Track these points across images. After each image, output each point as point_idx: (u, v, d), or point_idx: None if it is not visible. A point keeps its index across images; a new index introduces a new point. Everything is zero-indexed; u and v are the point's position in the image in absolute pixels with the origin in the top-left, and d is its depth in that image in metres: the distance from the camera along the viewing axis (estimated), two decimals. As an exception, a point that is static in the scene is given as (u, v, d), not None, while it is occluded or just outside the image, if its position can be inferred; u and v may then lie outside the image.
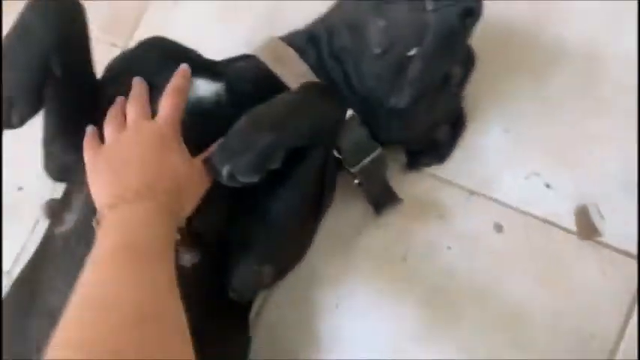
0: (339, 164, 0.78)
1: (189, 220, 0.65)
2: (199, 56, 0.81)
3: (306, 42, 0.79)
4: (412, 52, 0.69)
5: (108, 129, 0.69)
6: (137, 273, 0.52)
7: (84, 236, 0.64)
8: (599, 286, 0.78)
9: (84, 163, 0.69)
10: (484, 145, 0.87)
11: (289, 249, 0.78)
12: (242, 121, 0.66)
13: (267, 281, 0.76)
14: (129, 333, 0.46)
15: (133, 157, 0.64)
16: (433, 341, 0.81)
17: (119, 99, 0.73)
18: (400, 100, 0.72)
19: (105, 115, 0.72)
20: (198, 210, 0.66)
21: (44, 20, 0.69)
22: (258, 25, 1.01)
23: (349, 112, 0.76)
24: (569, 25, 0.88)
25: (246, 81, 0.76)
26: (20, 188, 1.06)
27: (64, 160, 0.76)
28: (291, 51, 0.78)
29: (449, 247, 0.84)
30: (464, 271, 0.83)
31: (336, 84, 0.76)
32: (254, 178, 0.64)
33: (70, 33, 0.71)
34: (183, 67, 0.72)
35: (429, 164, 0.87)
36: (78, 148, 0.71)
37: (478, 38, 0.82)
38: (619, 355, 0.76)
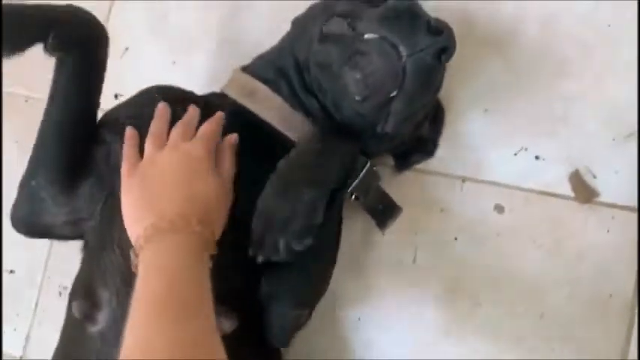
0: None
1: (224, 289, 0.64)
2: (193, 100, 0.79)
3: (274, 74, 0.78)
4: (393, 94, 0.69)
5: (149, 143, 0.71)
6: (178, 331, 0.53)
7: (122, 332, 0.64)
8: (606, 245, 0.80)
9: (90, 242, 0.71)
10: (467, 130, 0.87)
11: (320, 287, 0.79)
12: (273, 188, 0.66)
13: (304, 322, 0.77)
14: None
15: (167, 181, 0.66)
16: (459, 334, 0.83)
17: (160, 111, 0.74)
18: (386, 128, 0.73)
19: (100, 163, 0.73)
20: (230, 276, 0.66)
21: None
22: (213, 59, 0.99)
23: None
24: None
25: (232, 130, 0.75)
26: (12, 271, 1.04)
27: (49, 203, 0.74)
28: (260, 85, 0.78)
29: (455, 239, 0.85)
30: (474, 258, 0.84)
31: (312, 114, 0.75)
32: (309, 242, 0.65)
33: (85, 38, 0.75)
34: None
35: (418, 161, 0.87)
36: (66, 193, 0.72)
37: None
38: (637, 309, 0.78)
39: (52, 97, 0.74)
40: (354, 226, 0.87)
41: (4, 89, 1.09)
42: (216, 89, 0.88)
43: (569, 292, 0.80)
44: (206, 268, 0.61)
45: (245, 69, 0.83)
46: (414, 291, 0.86)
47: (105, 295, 0.68)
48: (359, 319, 0.87)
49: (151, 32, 1.03)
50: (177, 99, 0.78)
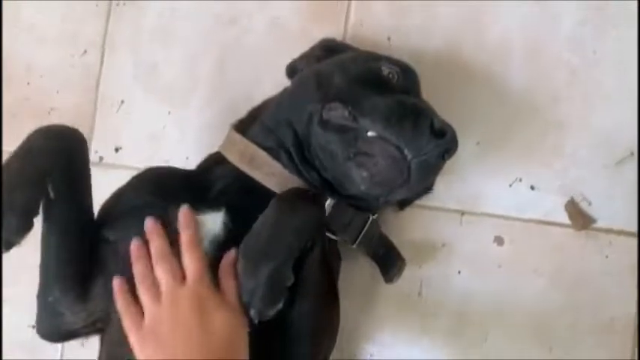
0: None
1: None
2: (188, 177, 0.81)
3: (273, 143, 0.79)
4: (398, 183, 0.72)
5: (143, 296, 0.70)
6: None
7: None
8: (605, 270, 0.82)
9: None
10: (461, 164, 0.88)
11: (327, 338, 0.80)
12: (240, 262, 0.68)
13: None
14: None
15: (179, 336, 0.65)
16: (472, 364, 0.86)
17: (136, 252, 0.72)
18: (389, 201, 0.77)
19: (107, 262, 0.74)
20: None
21: (48, 145, 0.73)
22: (206, 107, 1.01)
23: (328, 201, 0.77)
24: (505, 21, 0.89)
25: (239, 197, 0.76)
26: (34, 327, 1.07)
27: (67, 314, 0.76)
28: (260, 152, 0.78)
29: (459, 272, 0.88)
30: (479, 291, 0.87)
31: (312, 184, 0.77)
32: (278, 306, 0.67)
33: (73, 160, 0.75)
34: (184, 212, 0.73)
35: (418, 198, 0.89)
36: (81, 299, 0.75)
37: (424, 62, 0.86)
38: (642, 330, 0.81)
39: (47, 218, 0.74)
40: (363, 261, 0.88)
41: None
42: (209, 140, 0.91)
43: (572, 319, 0.83)
44: None
45: (241, 130, 0.83)
46: (422, 323, 0.88)
47: None
48: (371, 355, 0.90)
49: (144, 84, 1.04)
50: (173, 179, 0.81)
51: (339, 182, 0.76)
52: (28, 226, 0.69)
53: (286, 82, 0.87)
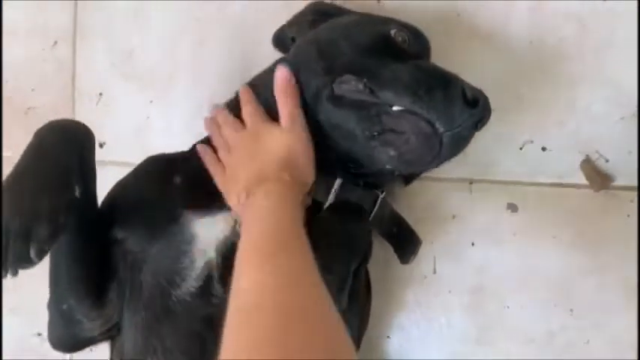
0: None
1: None
2: (189, 167, 0.76)
3: None
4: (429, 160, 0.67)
5: (222, 155, 0.74)
6: (279, 274, 0.54)
7: None
8: (629, 231, 0.78)
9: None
10: (467, 130, 0.83)
11: (363, 329, 0.80)
12: None
13: None
14: (277, 336, 0.48)
15: (247, 163, 0.71)
16: (491, 339, 0.82)
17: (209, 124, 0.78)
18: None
19: (118, 265, 0.72)
20: None
21: (64, 142, 0.70)
22: (191, 92, 0.95)
23: (337, 181, 0.72)
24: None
25: None
26: (39, 334, 1.05)
27: (85, 321, 0.73)
28: None
29: (472, 244, 0.83)
30: (495, 261, 0.82)
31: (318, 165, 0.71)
32: None
33: (86, 156, 0.72)
34: (243, 90, 0.77)
35: (427, 170, 0.83)
36: (97, 304, 0.72)
37: (419, 23, 0.78)
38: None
39: None
40: (375, 244, 0.83)
41: None
42: (197, 126, 0.84)
43: (597, 282, 0.79)
44: (298, 210, 0.65)
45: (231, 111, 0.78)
46: (439, 301, 0.85)
47: None
48: (388, 337, 0.86)
49: (121, 73, 0.97)
50: (175, 169, 0.76)
51: (354, 160, 0.71)
52: (59, 231, 0.64)
53: (275, 55, 0.81)
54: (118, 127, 0.98)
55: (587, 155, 0.78)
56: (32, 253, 0.62)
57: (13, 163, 0.69)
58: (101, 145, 0.99)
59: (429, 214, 0.84)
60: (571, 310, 0.80)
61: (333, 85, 0.68)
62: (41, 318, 1.01)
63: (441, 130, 0.63)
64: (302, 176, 0.68)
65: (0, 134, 1.02)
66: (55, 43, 1.01)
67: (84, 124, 0.76)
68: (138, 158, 0.95)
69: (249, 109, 0.74)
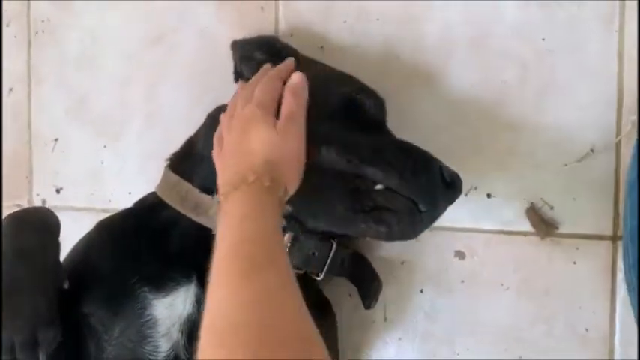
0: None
1: None
2: (143, 227, 0.75)
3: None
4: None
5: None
6: (253, 290, 0.52)
7: None
8: (575, 277, 0.77)
9: None
10: (413, 175, 0.82)
11: None
12: None
13: None
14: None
15: (232, 155, 0.67)
16: (442, 385, 0.82)
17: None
18: None
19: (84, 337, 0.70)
20: None
21: (41, 236, 0.71)
22: (142, 137, 0.95)
23: (286, 236, 0.71)
24: (443, 13, 0.81)
25: (203, 253, 0.66)
26: None
27: None
28: (205, 197, 0.72)
29: (421, 291, 0.82)
30: (444, 309, 0.82)
31: None
32: None
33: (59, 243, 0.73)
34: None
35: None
36: None
37: (360, 68, 0.78)
38: (616, 338, 0.76)
39: None
40: (325, 291, 0.83)
41: None
42: (151, 169, 0.84)
43: (545, 330, 0.78)
44: (275, 219, 0.61)
45: (178, 168, 0.77)
46: (392, 348, 0.84)
47: None
48: (343, 381, 0.86)
49: (75, 118, 0.97)
50: (130, 235, 0.74)
51: (327, 228, 0.70)
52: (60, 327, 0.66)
53: (225, 100, 0.79)
54: (73, 172, 0.98)
55: (532, 202, 0.77)
56: (41, 358, 0.64)
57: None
58: (58, 191, 0.99)
59: (378, 260, 0.83)
60: (519, 357, 0.79)
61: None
62: None
63: (424, 210, 0.66)
64: (284, 182, 0.64)
65: (0, 138, 1.02)
66: (11, 89, 1.01)
67: (47, 209, 0.77)
68: (93, 204, 0.96)
69: (244, 93, 0.71)
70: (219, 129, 0.73)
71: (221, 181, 0.66)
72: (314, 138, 0.68)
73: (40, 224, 0.73)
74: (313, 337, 0.50)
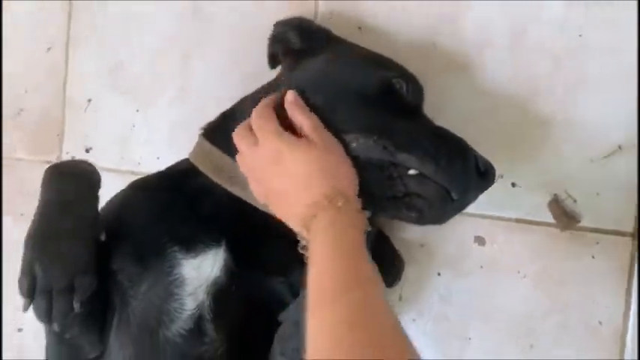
0: None
1: None
2: (176, 189, 0.76)
3: None
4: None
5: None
6: (350, 312, 0.53)
7: None
8: (592, 272, 0.78)
9: None
10: (440, 160, 0.84)
11: None
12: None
13: None
14: None
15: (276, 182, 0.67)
16: (453, 369, 0.83)
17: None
18: None
19: (110, 293, 0.72)
20: None
21: (82, 187, 0.73)
22: (174, 106, 0.96)
23: None
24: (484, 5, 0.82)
25: (234, 220, 0.72)
26: (20, 330, 1.07)
27: (86, 346, 0.74)
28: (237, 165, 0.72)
29: (439, 274, 0.84)
30: (460, 293, 0.83)
31: None
32: None
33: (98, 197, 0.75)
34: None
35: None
36: (100, 333, 0.73)
37: (397, 53, 0.79)
38: (628, 335, 0.77)
39: None
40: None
41: None
42: (180, 137, 0.86)
43: (558, 322, 0.79)
44: (357, 235, 0.61)
45: (213, 137, 0.78)
46: (405, 327, 0.85)
47: None
48: None
49: (110, 82, 0.99)
50: (163, 195, 0.76)
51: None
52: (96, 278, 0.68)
53: (256, 77, 0.81)
54: (104, 133, 1.00)
55: (555, 194, 0.78)
56: (76, 305, 0.66)
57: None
58: (87, 151, 1.01)
59: (397, 242, 0.85)
60: (531, 346, 0.80)
61: (352, 145, 0.67)
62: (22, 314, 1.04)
63: (455, 198, 0.67)
64: (350, 189, 0.63)
65: (0, 137, 1.06)
66: (49, 49, 1.03)
67: (89, 164, 0.77)
68: (122, 166, 0.98)
69: (259, 122, 0.68)
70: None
71: (293, 221, 0.65)
72: (350, 125, 0.68)
73: (81, 176, 0.74)
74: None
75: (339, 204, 0.61)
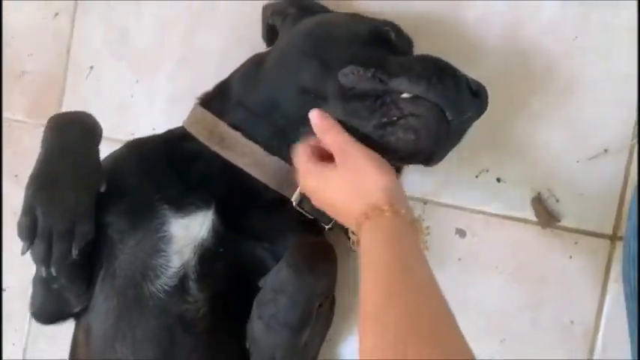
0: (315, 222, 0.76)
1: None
2: (169, 153, 0.77)
3: (247, 120, 0.74)
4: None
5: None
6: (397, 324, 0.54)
7: None
8: (569, 271, 0.78)
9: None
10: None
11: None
12: (256, 324, 0.68)
13: None
14: None
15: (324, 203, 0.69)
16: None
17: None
18: None
19: (99, 245, 0.73)
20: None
21: (84, 136, 0.74)
22: (174, 78, 0.98)
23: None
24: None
25: (224, 185, 0.73)
26: (4, 289, 1.08)
27: (72, 299, 0.76)
28: (232, 131, 0.74)
29: (418, 263, 0.84)
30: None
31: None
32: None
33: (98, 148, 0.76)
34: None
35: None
36: (86, 285, 0.75)
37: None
38: (599, 335, 0.77)
39: None
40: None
41: None
42: (177, 110, 0.87)
43: (531, 318, 0.80)
44: (408, 243, 0.62)
45: (208, 105, 0.79)
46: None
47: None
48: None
49: (113, 50, 1.01)
50: (156, 156, 0.77)
51: None
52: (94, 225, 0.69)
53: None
54: (103, 101, 1.02)
55: (538, 192, 0.79)
56: (74, 250, 0.67)
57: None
58: (85, 117, 1.03)
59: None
60: (501, 341, 0.80)
61: (340, 76, 0.68)
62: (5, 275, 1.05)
63: (450, 118, 0.66)
64: (384, 199, 0.62)
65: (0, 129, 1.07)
66: (57, 14, 1.05)
67: (93, 116, 0.78)
68: (117, 134, 0.99)
69: (296, 160, 0.70)
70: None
71: (347, 221, 0.66)
72: (345, 60, 0.69)
73: (84, 126, 0.76)
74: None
75: (387, 212, 0.61)
